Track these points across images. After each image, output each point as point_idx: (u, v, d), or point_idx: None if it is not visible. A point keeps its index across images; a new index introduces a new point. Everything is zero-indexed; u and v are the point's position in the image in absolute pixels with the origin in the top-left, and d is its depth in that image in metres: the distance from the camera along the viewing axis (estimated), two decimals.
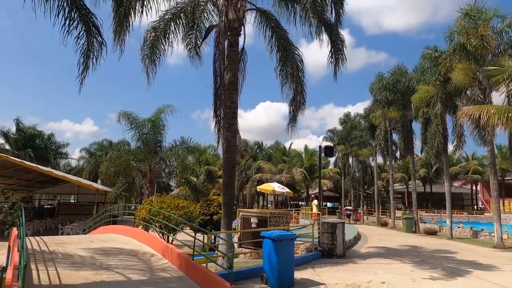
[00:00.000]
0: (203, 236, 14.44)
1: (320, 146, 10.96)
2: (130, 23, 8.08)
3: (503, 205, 42.28)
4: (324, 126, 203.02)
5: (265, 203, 53.72)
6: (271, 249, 6.76)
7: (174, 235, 13.72)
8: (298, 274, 7.63)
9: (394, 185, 40.98)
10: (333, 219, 32.91)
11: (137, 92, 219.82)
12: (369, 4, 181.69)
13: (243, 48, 10.36)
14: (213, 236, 15.55)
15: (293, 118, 10.05)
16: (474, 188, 49.42)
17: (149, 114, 22.82)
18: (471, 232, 18.90)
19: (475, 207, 48.98)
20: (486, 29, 14.14)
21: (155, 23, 10.41)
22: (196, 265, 6.91)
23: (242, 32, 9.95)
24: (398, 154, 29.03)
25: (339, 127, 37.48)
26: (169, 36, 10.60)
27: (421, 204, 43.19)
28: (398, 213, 34.98)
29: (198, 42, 11.10)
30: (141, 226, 15.33)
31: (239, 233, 13.26)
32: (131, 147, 29.27)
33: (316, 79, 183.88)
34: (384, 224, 27.12)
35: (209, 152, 39.59)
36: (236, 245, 12.52)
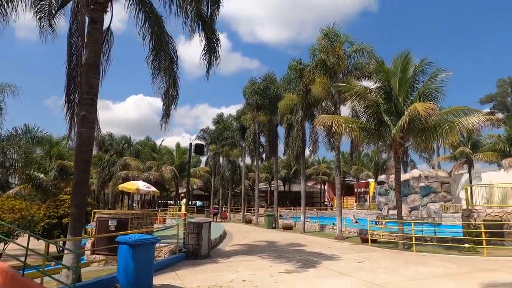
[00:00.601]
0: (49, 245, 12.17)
1: (190, 144, 10.58)
2: None
3: (343, 202, 50.56)
4: (198, 125, 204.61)
5: (130, 203, 50.03)
6: (128, 255, 6.01)
7: (5, 246, 11.16)
8: (159, 280, 7.07)
9: (259, 184, 43.94)
10: (201, 218, 33.04)
11: None
12: (246, 13, 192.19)
13: (109, 28, 9.11)
14: (61, 243, 13.32)
15: (166, 113, 9.34)
16: (323, 187, 57.48)
17: None
18: (319, 226, 21.69)
19: (323, 204, 57.06)
20: (341, 50, 16.43)
21: None
22: (26, 282, 5.57)
23: (109, 10, 8.73)
24: (264, 155, 31.28)
25: (212, 127, 38.04)
26: None
27: (281, 201, 47.68)
28: (261, 211, 37.65)
29: (52, 11, 9.23)
30: None
31: (93, 238, 11.68)
32: None
33: (193, 77, 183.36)
34: (249, 221, 28.68)
35: (64, 145, 34.31)
36: (88, 252, 10.97)
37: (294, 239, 15.71)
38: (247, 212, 35.74)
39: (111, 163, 40.13)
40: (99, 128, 9.27)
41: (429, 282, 7.26)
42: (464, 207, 34.99)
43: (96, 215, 12.14)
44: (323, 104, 19.61)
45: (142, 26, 9.80)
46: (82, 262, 10.09)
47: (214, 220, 30.32)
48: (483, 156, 28.85)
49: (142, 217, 12.03)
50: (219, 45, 9.41)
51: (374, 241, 13.98)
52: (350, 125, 12.82)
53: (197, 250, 9.86)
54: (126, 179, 33.21)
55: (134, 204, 49.27)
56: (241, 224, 27.79)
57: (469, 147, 30.80)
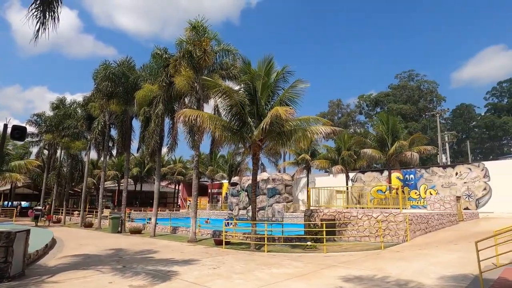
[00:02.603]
0: None
1: (5, 125, 7.66)
2: None
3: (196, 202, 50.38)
4: (31, 110, 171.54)
5: None
6: None
7: None
8: None
9: (106, 183, 39.27)
10: (26, 223, 26.91)
11: None
12: None
13: None
14: None
15: None
16: (177, 187, 56.06)
17: None
18: (171, 229, 20.43)
19: (176, 204, 55.63)
20: (208, 45, 15.79)
21: None
22: None
23: None
24: (114, 151, 27.88)
25: (50, 113, 31.68)
26: None
27: (130, 202, 43.88)
28: (107, 212, 33.53)
29: None
30: None
31: None
32: None
33: (28, 55, 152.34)
34: (89, 225, 24.80)
35: None
36: None
37: (143, 245, 14.03)
38: (88, 214, 31.11)
39: None
40: None
41: (284, 284, 7.18)
42: (302, 207, 39.84)
43: None
44: (186, 100, 18.66)
45: None
46: None
47: (36, 224, 25.02)
48: (319, 163, 33.45)
49: None
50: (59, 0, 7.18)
51: (227, 243, 13.77)
52: (215, 123, 12.27)
53: (3, 270, 7.24)
54: None
55: None
56: (78, 229, 23.73)
57: (309, 154, 35.30)
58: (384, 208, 16.78)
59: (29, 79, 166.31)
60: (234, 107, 13.03)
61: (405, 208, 24.38)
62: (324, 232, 11.76)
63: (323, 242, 12.38)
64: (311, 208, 16.40)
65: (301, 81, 12.99)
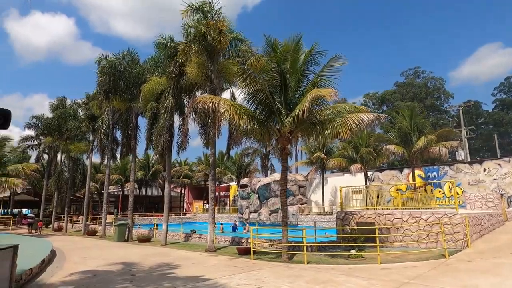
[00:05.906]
0: None
1: None
2: None
3: (204, 206, 48.47)
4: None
5: None
6: None
7: None
8: None
9: (110, 187, 37.40)
10: (26, 231, 25.15)
11: None
12: (100, 2, 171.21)
13: None
14: None
15: None
16: (183, 191, 54.07)
17: None
18: (183, 236, 18.52)
19: (183, 209, 53.66)
20: (224, 26, 13.92)
21: None
22: None
23: None
24: (119, 152, 25.97)
25: (50, 115, 29.90)
26: None
27: (135, 207, 41.91)
28: (110, 218, 31.66)
29: None
30: None
31: None
32: None
33: (27, 62, 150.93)
34: (93, 233, 22.92)
35: None
36: None
37: (156, 256, 12.13)
38: (91, 220, 29.31)
39: None
40: None
41: None
42: (315, 209, 37.62)
43: None
44: (197, 93, 16.83)
45: None
46: None
47: (29, 232, 23.65)
48: (335, 162, 31.48)
49: None
50: None
51: (254, 252, 11.85)
52: (239, 111, 10.37)
53: None
54: None
55: None
56: (81, 237, 21.87)
57: (324, 152, 33.37)
58: (416, 208, 14.86)
59: (29, 87, 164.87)
60: (260, 93, 11.13)
61: (433, 208, 22.38)
62: (377, 239, 9.81)
63: (364, 250, 10.57)
64: (344, 210, 14.47)
65: (338, 57, 10.94)
